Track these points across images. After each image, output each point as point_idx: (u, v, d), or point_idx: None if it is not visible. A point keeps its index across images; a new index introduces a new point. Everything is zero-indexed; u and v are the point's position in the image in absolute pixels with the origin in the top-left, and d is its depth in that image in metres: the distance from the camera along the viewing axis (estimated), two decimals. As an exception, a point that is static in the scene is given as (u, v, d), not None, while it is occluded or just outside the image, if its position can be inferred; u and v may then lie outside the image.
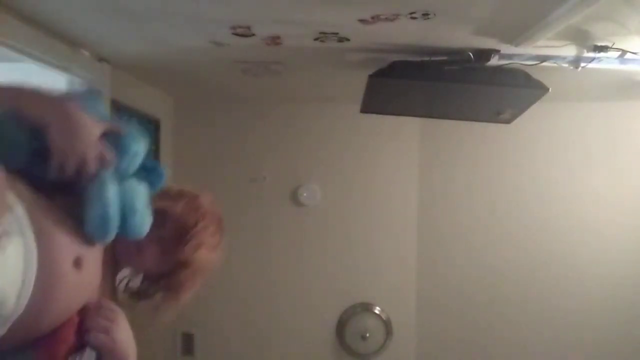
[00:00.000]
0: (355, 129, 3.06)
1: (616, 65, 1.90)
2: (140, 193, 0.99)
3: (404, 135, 3.07)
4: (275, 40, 1.84)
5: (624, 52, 1.79)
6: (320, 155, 3.10)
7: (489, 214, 3.04)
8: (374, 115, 2.53)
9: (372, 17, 1.56)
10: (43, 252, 0.82)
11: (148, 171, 1.05)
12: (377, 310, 3.09)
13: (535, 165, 3.02)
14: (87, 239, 0.91)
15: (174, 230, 1.12)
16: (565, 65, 1.93)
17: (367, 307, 3.09)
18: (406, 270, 3.08)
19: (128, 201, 0.95)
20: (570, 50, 1.82)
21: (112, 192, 0.91)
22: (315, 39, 1.80)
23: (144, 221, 0.98)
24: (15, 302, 0.79)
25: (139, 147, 1.00)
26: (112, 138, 0.95)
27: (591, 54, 1.80)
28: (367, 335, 3.06)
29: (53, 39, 1.79)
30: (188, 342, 3.05)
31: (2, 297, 0.76)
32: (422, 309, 3.08)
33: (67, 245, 0.88)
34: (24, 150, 0.89)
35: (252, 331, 3.04)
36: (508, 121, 2.35)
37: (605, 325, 2.93)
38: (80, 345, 0.93)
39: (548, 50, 1.80)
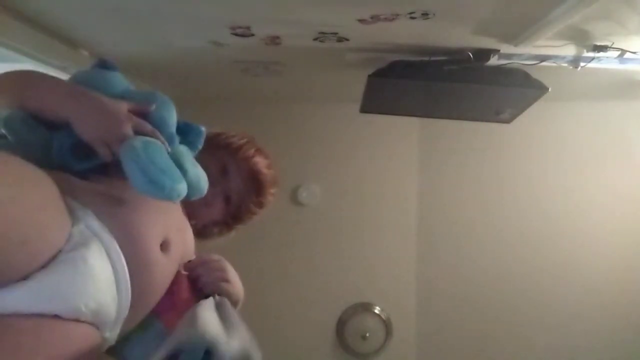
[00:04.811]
0: (355, 129, 3.06)
1: (616, 65, 1.90)
2: (184, 154, 0.97)
3: (403, 135, 3.07)
4: (274, 40, 1.84)
5: (624, 51, 1.79)
6: (319, 155, 3.10)
7: (488, 213, 3.04)
8: (374, 115, 2.53)
9: (372, 17, 1.55)
10: (126, 246, 0.80)
11: (184, 133, 1.03)
12: (377, 310, 3.09)
13: (535, 164, 3.02)
14: (164, 211, 0.90)
15: (239, 178, 1.23)
16: (565, 64, 1.93)
17: (367, 307, 3.10)
18: (406, 270, 3.08)
19: (176, 164, 0.91)
20: (569, 50, 1.82)
21: (139, 150, 0.83)
22: (315, 39, 1.80)
23: (199, 178, 0.97)
24: (117, 305, 0.78)
25: (173, 114, 0.98)
26: (142, 115, 0.92)
27: (591, 54, 1.80)
28: (367, 335, 3.07)
29: (52, 39, 1.79)
30: (188, 342, 3.04)
31: (99, 307, 0.74)
32: (422, 309, 3.08)
33: (150, 234, 0.86)
34: (50, 150, 0.85)
35: (252, 331, 3.04)
36: (508, 121, 2.35)
37: (610, 324, 2.93)
38: (198, 297, 0.97)
39: (547, 49, 1.80)
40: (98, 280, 0.74)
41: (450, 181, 3.07)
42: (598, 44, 1.74)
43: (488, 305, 3.02)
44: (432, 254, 3.08)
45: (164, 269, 0.89)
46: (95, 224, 0.78)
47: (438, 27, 1.65)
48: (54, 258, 0.71)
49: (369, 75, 1.98)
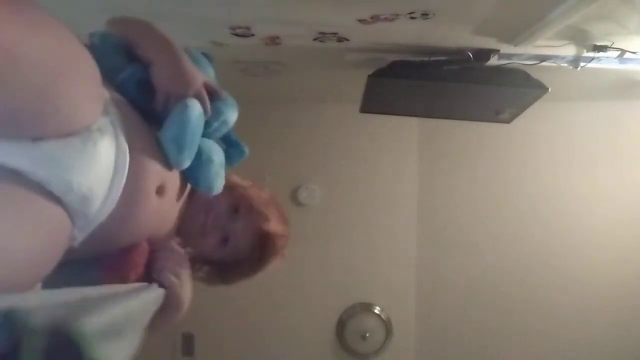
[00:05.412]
0: (355, 129, 3.06)
1: (615, 65, 1.90)
2: (219, 152, 1.00)
3: (403, 135, 3.07)
4: (274, 40, 1.84)
5: (623, 51, 1.79)
6: (319, 155, 3.10)
7: (488, 213, 3.04)
8: (374, 115, 2.53)
9: (372, 17, 1.56)
10: (133, 164, 0.82)
11: (230, 145, 1.07)
12: (377, 310, 3.09)
13: (535, 165, 3.02)
14: (169, 167, 0.92)
15: (246, 231, 1.13)
16: (565, 64, 1.93)
17: (367, 307, 3.09)
18: (406, 270, 3.08)
19: (206, 151, 0.96)
20: (569, 50, 1.82)
21: (193, 115, 0.91)
22: (315, 39, 1.80)
23: (218, 175, 0.99)
24: (101, 204, 0.78)
25: (231, 116, 1.04)
26: (210, 97, 0.99)
27: (590, 54, 1.80)
28: (367, 335, 3.06)
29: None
30: (188, 343, 3.05)
31: (89, 194, 0.75)
32: (422, 309, 3.08)
33: (153, 168, 0.88)
34: (120, 73, 0.92)
35: (252, 331, 3.04)
36: (508, 121, 2.35)
37: (608, 325, 2.92)
38: (146, 277, 0.94)
39: (547, 50, 1.80)
40: (99, 168, 0.76)
41: (450, 181, 3.07)
42: (598, 44, 1.74)
43: (488, 305, 3.02)
44: (431, 254, 3.08)
45: (150, 208, 0.88)
46: (119, 125, 0.80)
47: (438, 27, 1.65)
48: (69, 134, 0.73)
49: (369, 75, 1.98)
